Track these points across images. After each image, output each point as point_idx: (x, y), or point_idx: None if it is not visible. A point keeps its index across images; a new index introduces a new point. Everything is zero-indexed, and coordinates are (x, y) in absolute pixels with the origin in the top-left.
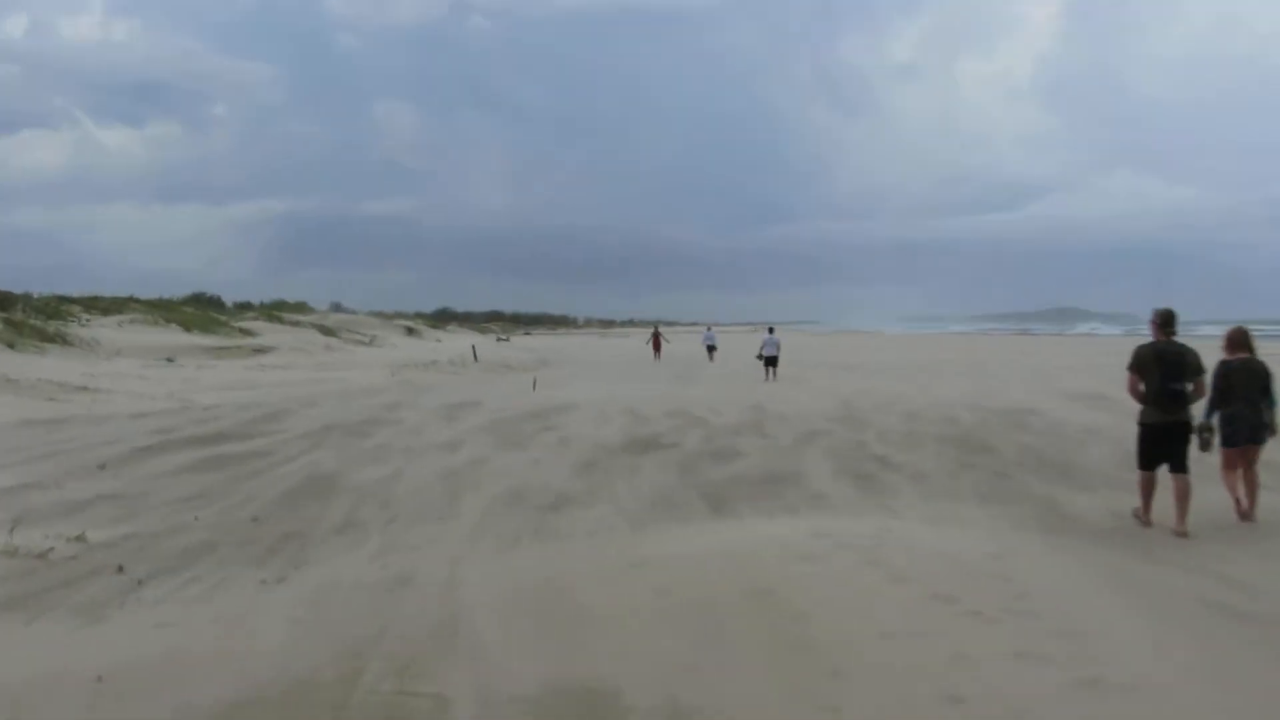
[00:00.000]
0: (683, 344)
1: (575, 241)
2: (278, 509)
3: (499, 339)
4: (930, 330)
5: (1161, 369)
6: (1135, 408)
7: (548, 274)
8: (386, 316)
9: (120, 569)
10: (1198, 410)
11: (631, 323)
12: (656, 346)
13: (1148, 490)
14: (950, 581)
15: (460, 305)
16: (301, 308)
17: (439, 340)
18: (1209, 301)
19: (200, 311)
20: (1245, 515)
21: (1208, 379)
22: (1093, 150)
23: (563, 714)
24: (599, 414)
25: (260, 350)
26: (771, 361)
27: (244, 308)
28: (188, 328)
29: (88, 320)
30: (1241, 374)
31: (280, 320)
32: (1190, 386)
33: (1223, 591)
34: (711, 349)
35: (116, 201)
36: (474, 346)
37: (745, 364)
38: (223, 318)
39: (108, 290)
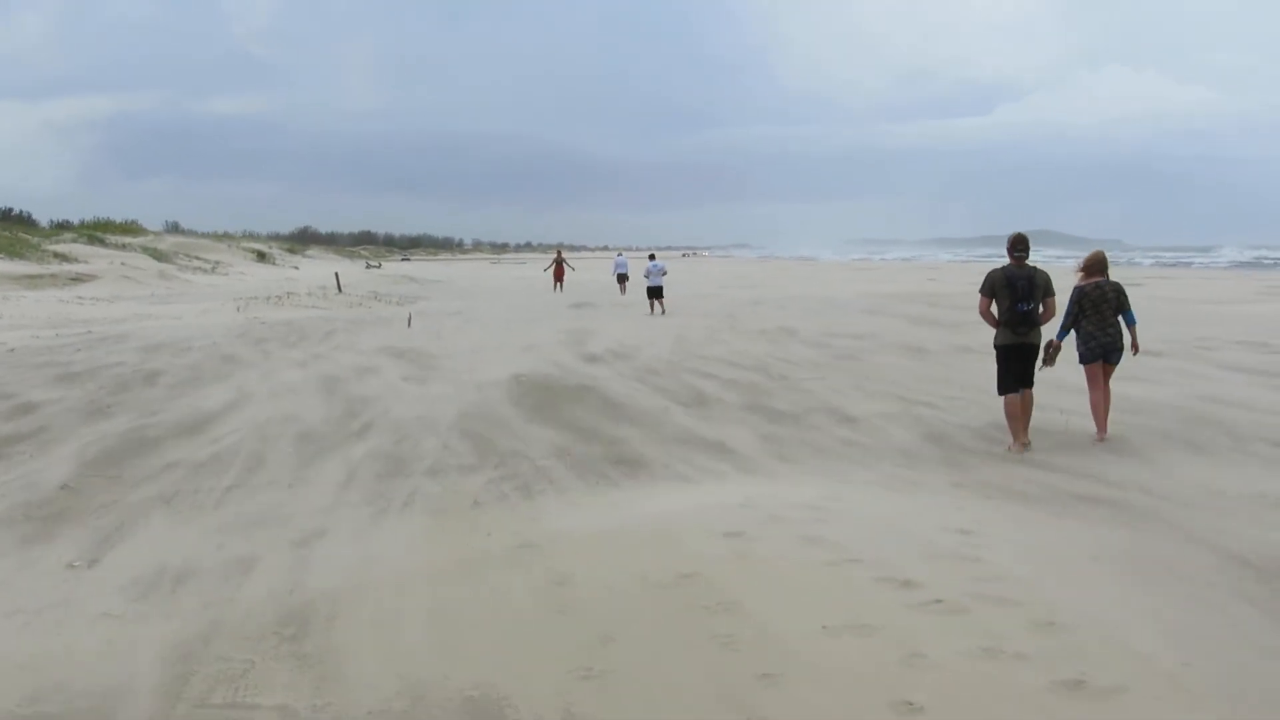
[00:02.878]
0: (590, 273)
1: (463, 151)
2: (91, 474)
3: (369, 265)
4: (877, 258)
5: (1012, 292)
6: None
7: (430, 189)
8: (234, 239)
9: None
10: (1049, 331)
11: (529, 246)
12: (559, 275)
13: (1015, 413)
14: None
15: (325, 225)
16: (131, 228)
17: (296, 268)
18: (1226, 224)
19: (7, 232)
20: (1100, 437)
21: (1059, 301)
22: (1081, 41)
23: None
24: (477, 361)
25: (78, 279)
26: (655, 293)
27: (61, 228)
28: None
29: None
30: (1093, 296)
31: (104, 243)
32: (1040, 308)
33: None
34: (623, 279)
35: None
36: (337, 275)
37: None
38: (34, 239)
39: None
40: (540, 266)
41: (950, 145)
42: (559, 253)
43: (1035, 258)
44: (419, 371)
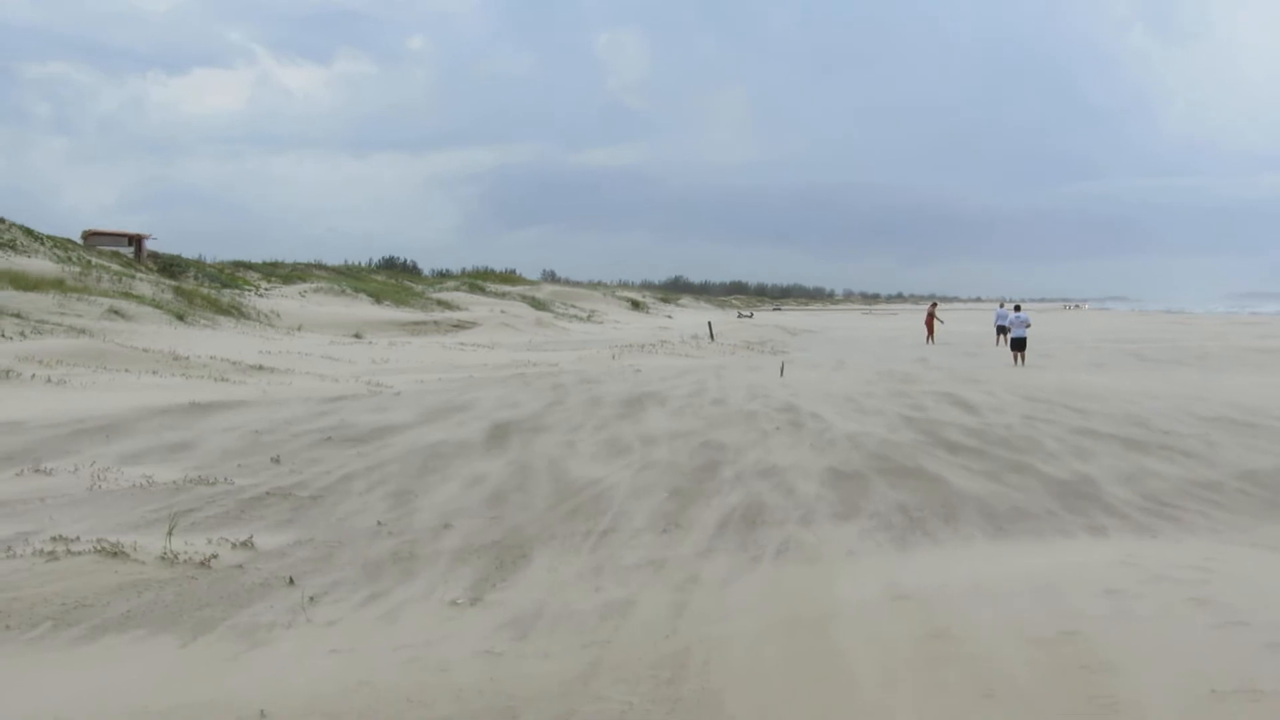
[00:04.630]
0: (960, 324)
1: (834, 201)
2: (474, 515)
3: (741, 314)
4: (1261, 310)
5: None
6: None
7: (801, 240)
8: (608, 287)
9: (291, 581)
10: None
11: (900, 297)
12: (929, 327)
13: None
14: None
15: (696, 275)
16: (510, 277)
17: (670, 316)
18: None
19: (393, 280)
20: None
21: None
22: None
23: None
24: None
25: (460, 326)
26: (1018, 345)
27: (443, 276)
28: (378, 299)
29: (266, 290)
30: None
31: (484, 291)
32: None
33: None
34: (1002, 330)
35: (299, 152)
36: (710, 324)
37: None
38: (418, 288)
39: (289, 255)
40: (913, 317)
41: None
42: (932, 304)
43: None
44: (789, 421)
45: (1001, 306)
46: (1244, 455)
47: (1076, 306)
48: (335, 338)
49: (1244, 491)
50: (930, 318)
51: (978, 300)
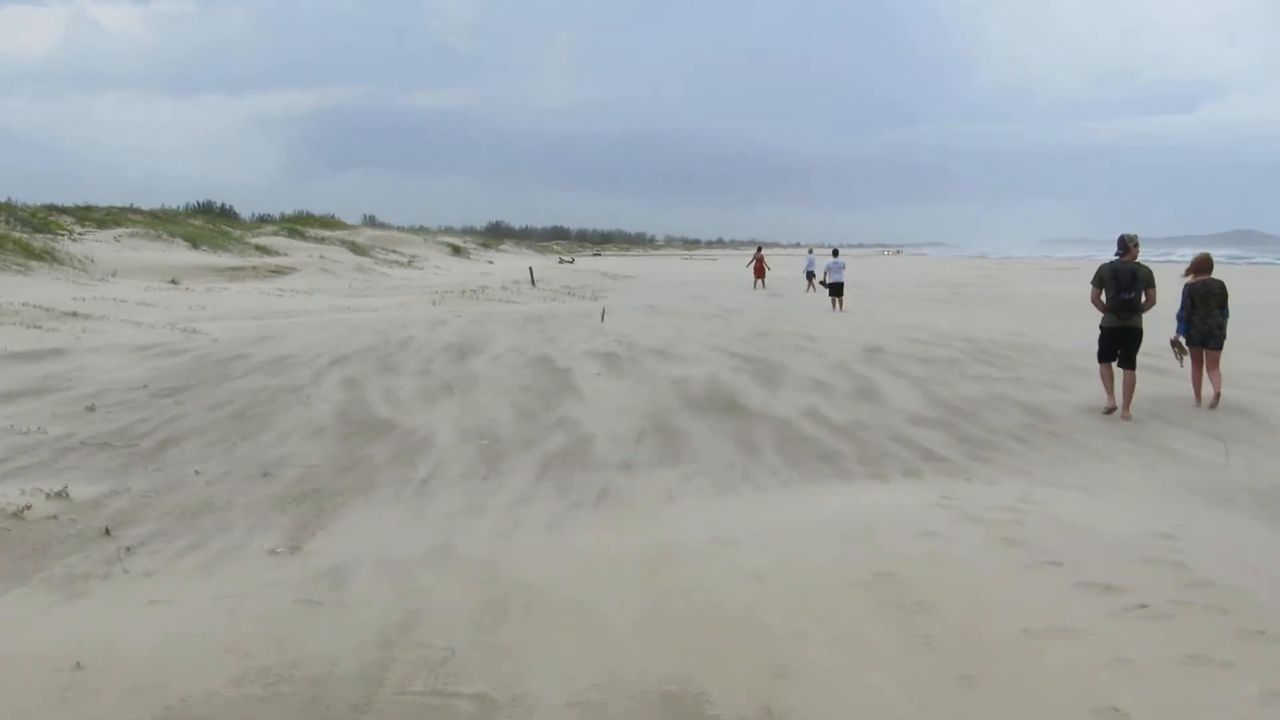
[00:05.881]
0: (784, 269)
1: (656, 147)
2: (294, 464)
3: (562, 260)
4: (1073, 255)
5: (1117, 282)
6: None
7: (623, 185)
8: (430, 233)
9: (107, 532)
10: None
11: (720, 242)
12: (759, 272)
13: (1107, 377)
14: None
15: (518, 220)
16: (330, 221)
17: (490, 262)
18: None
19: (211, 225)
20: (1212, 404)
21: (1157, 291)
22: None
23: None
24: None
25: (279, 271)
26: (836, 289)
27: (262, 221)
28: (195, 244)
29: (80, 234)
30: (1201, 292)
31: (303, 236)
32: (1142, 297)
33: None
34: (810, 276)
35: (116, 93)
36: (531, 269)
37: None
38: (236, 233)
39: (104, 199)
40: (733, 262)
41: (1147, 143)
42: (759, 250)
43: (1239, 257)
44: (610, 367)
45: (811, 253)
46: (1054, 395)
47: (897, 252)
48: (151, 284)
49: (1058, 434)
50: (759, 263)
51: (797, 245)
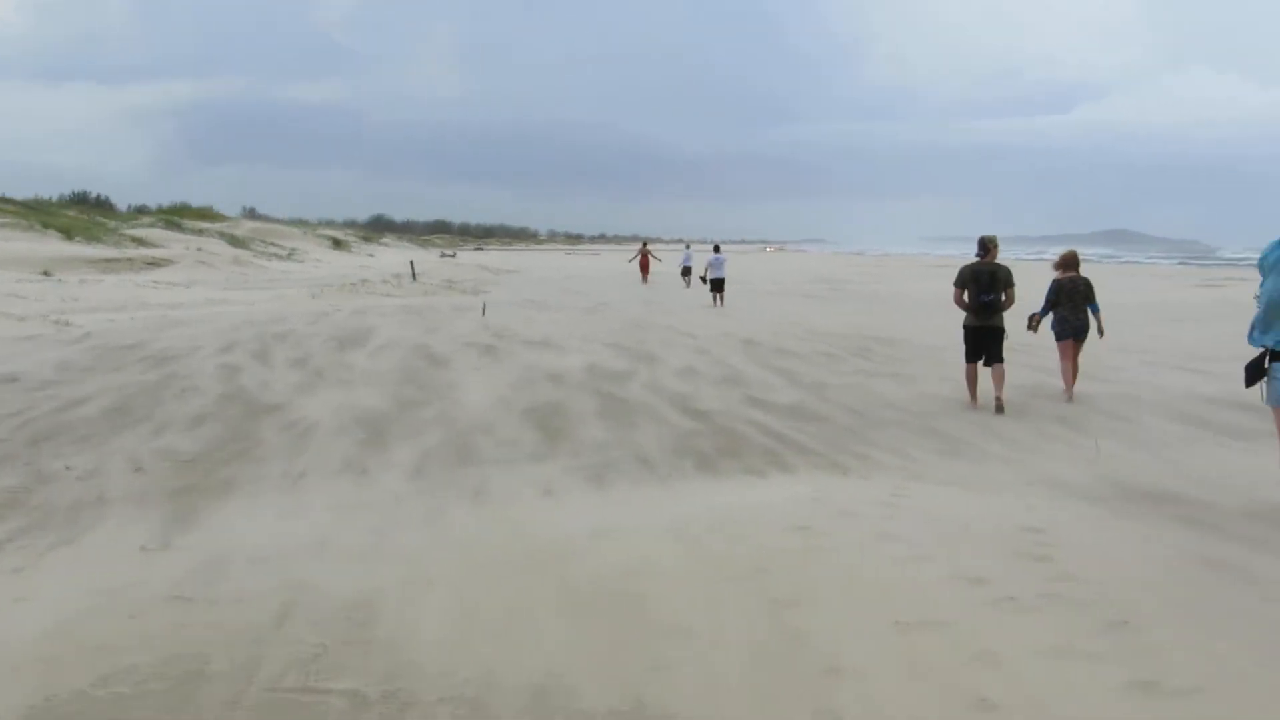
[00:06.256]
0: (668, 265)
1: (540, 141)
2: (166, 458)
3: (444, 254)
4: (950, 253)
5: (977, 284)
6: None
7: (505, 179)
8: (310, 226)
9: None
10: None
11: (603, 238)
12: (644, 267)
13: (972, 378)
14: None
15: (400, 213)
16: (208, 213)
17: (371, 255)
18: None
19: (85, 216)
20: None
21: (1016, 291)
22: (1164, 42)
23: (499, 713)
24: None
25: (155, 263)
26: (717, 285)
27: (139, 213)
28: (69, 235)
29: None
30: (1068, 288)
31: (180, 228)
32: (1002, 298)
33: None
34: (687, 271)
35: None
36: (412, 263)
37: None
38: (111, 224)
39: None
40: (616, 258)
41: (1030, 142)
42: (645, 244)
43: (1109, 256)
44: (490, 360)
45: (689, 248)
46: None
47: (780, 248)
48: (22, 275)
49: (931, 430)
50: (645, 258)
51: (679, 241)
